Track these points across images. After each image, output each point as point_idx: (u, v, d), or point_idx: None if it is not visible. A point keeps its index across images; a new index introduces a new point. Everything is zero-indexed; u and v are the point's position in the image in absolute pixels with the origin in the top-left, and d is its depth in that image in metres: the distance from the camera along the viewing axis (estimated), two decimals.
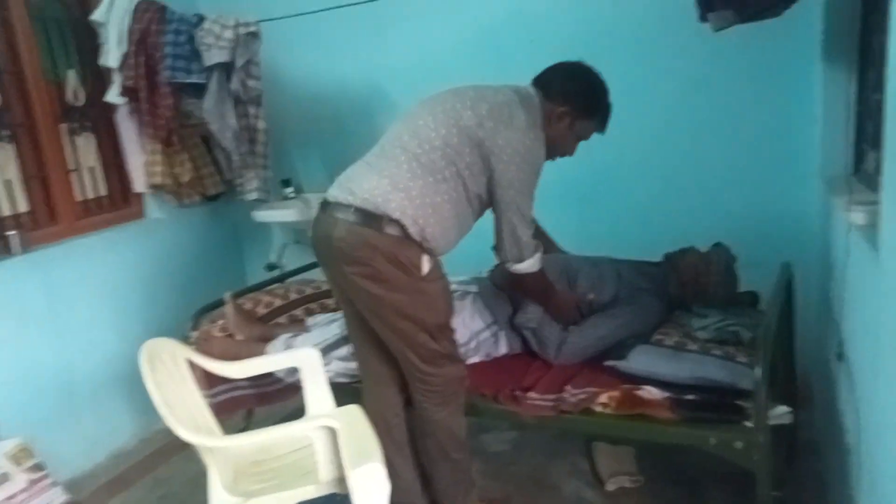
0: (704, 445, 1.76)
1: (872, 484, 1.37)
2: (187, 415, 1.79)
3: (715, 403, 1.80)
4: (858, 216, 1.60)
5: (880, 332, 1.29)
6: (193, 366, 2.09)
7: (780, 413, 1.73)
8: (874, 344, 1.34)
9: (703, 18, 2.04)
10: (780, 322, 2.01)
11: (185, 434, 1.60)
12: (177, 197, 3.20)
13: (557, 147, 1.98)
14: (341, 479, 1.71)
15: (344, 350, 2.21)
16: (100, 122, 3.05)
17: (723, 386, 1.80)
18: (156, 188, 3.10)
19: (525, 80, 2.02)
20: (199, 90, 2.92)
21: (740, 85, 2.66)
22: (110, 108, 3.01)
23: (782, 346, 2.15)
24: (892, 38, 1.20)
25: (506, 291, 2.30)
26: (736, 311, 2.17)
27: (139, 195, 3.18)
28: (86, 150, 3.01)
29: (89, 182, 3.03)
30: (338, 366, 2.23)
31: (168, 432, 1.60)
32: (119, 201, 3.15)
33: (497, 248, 1.99)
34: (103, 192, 3.09)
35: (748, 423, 1.71)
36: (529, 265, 1.99)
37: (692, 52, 2.64)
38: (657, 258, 2.43)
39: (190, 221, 3.37)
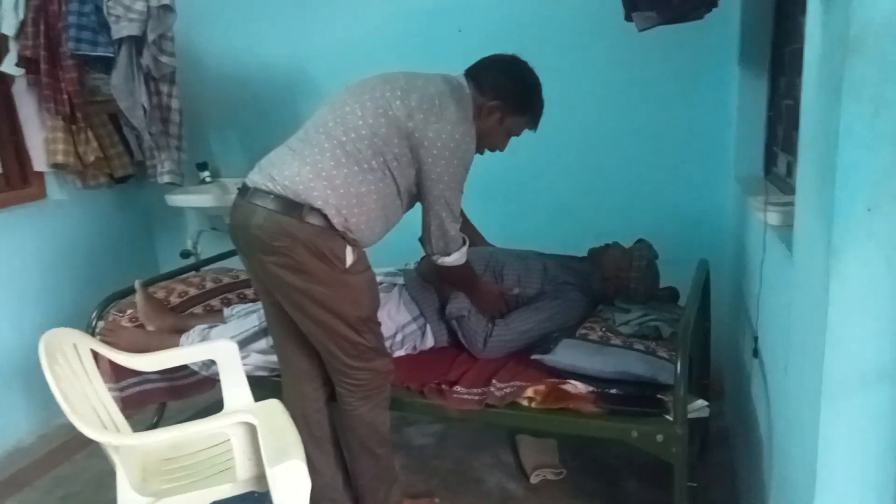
0: (627, 438, 1.79)
1: (783, 474, 1.43)
2: (91, 410, 1.67)
3: (637, 397, 1.83)
4: (773, 217, 1.67)
5: (791, 330, 1.34)
6: (99, 358, 1.96)
7: (699, 407, 1.78)
8: (786, 341, 1.40)
9: (629, 18, 2.07)
10: (698, 318, 2.07)
11: (88, 431, 1.49)
12: (82, 178, 3.00)
13: (487, 141, 1.95)
14: (260, 477, 1.64)
15: (263, 342, 2.13)
16: None
17: (644, 380, 1.84)
18: (58, 168, 2.89)
19: (451, 67, 1.98)
20: (106, 64, 2.73)
21: (662, 85, 2.73)
22: (6, 80, 2.78)
23: (699, 340, 2.23)
24: (809, 45, 1.24)
25: (433, 284, 2.27)
26: (657, 306, 2.23)
27: (40, 175, 2.96)
28: None
29: None
30: (256, 359, 2.14)
31: (70, 428, 1.49)
32: (16, 181, 2.91)
33: (423, 241, 1.95)
34: None
35: (668, 417, 1.75)
36: (456, 258, 1.97)
37: (618, 51, 2.69)
38: (582, 253, 2.46)
39: (97, 205, 3.16)
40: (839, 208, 1.01)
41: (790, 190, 1.70)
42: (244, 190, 1.80)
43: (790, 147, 1.91)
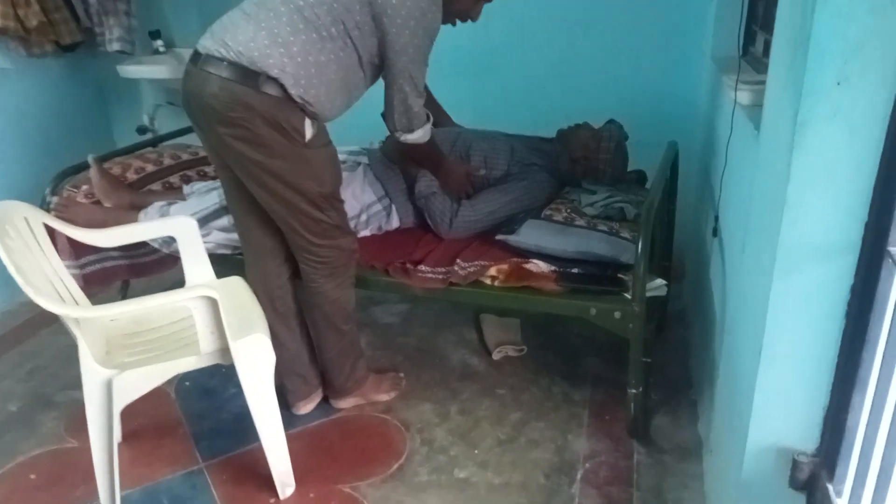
0: (585, 315, 1.84)
1: (732, 347, 1.49)
2: (48, 284, 1.64)
3: (598, 276, 1.87)
4: (744, 95, 1.63)
5: (752, 208, 1.34)
6: (56, 235, 1.91)
7: (657, 286, 1.82)
8: (745, 219, 1.41)
9: None
10: (663, 199, 2.08)
11: (45, 303, 1.46)
12: (25, 45, 2.81)
13: (457, 6, 1.83)
14: (224, 350, 1.66)
15: (225, 220, 2.09)
16: None
17: (606, 260, 1.87)
18: None
19: None
20: None
21: None
22: None
23: (663, 222, 2.25)
24: None
25: (398, 164, 2.22)
26: (624, 189, 2.22)
27: None
28: None
29: None
30: (218, 236, 2.11)
31: (34, 305, 1.47)
32: None
33: (386, 117, 1.89)
34: None
35: (627, 295, 1.79)
36: (419, 136, 1.92)
37: None
38: (551, 134, 2.42)
39: (44, 74, 2.98)
40: (809, 81, 0.98)
41: (765, 70, 1.65)
42: (196, 57, 1.69)
43: (769, 25, 1.84)
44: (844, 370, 1.08)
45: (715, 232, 1.89)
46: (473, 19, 1.91)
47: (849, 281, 1.05)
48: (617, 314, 1.79)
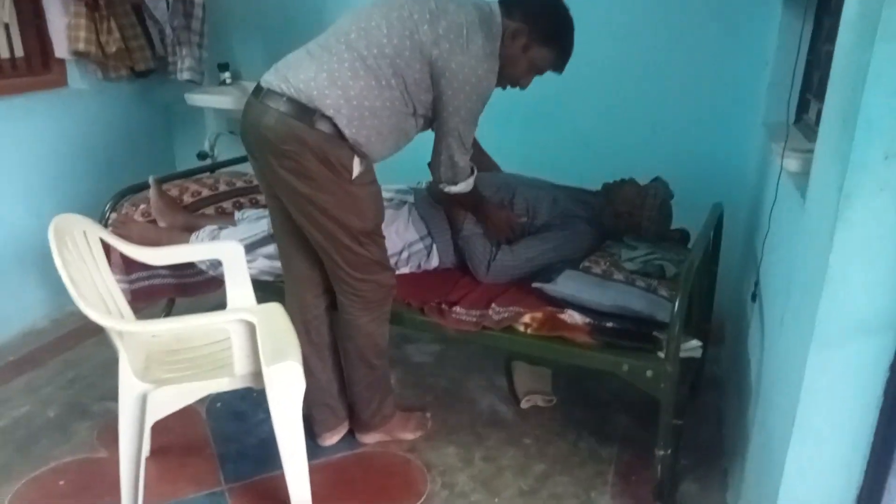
0: (617, 371, 1.82)
1: (765, 419, 1.45)
2: (97, 296, 1.71)
3: (632, 332, 1.84)
4: (791, 162, 1.63)
5: (793, 277, 1.33)
6: (111, 250, 1.99)
7: (692, 347, 1.79)
8: (787, 287, 1.39)
9: None
10: (705, 260, 2.06)
11: (91, 313, 1.53)
12: (103, 69, 2.97)
13: (509, 70, 1.87)
14: (257, 374, 1.69)
15: (271, 248, 2.15)
16: None
17: (642, 316, 1.85)
18: (79, 56, 2.86)
19: None
20: None
21: (697, 19, 2.60)
22: None
23: (703, 283, 2.22)
24: None
25: (443, 204, 2.26)
26: (665, 247, 2.21)
27: (61, 62, 2.94)
28: None
29: (3, 39, 2.76)
30: (263, 263, 2.17)
31: (81, 315, 1.53)
32: (38, 66, 2.90)
33: (432, 168, 1.95)
34: (20, 52, 2.83)
35: (660, 354, 1.77)
36: (462, 188, 1.98)
37: None
38: (595, 188, 2.43)
39: (117, 97, 3.14)
40: (856, 153, 0.98)
41: (816, 138, 1.65)
42: (258, 90, 1.77)
43: (823, 94, 1.84)
44: (881, 451, 1.05)
45: (754, 297, 1.86)
46: (523, 87, 1.95)
47: (888, 359, 1.03)
48: (649, 372, 1.77)
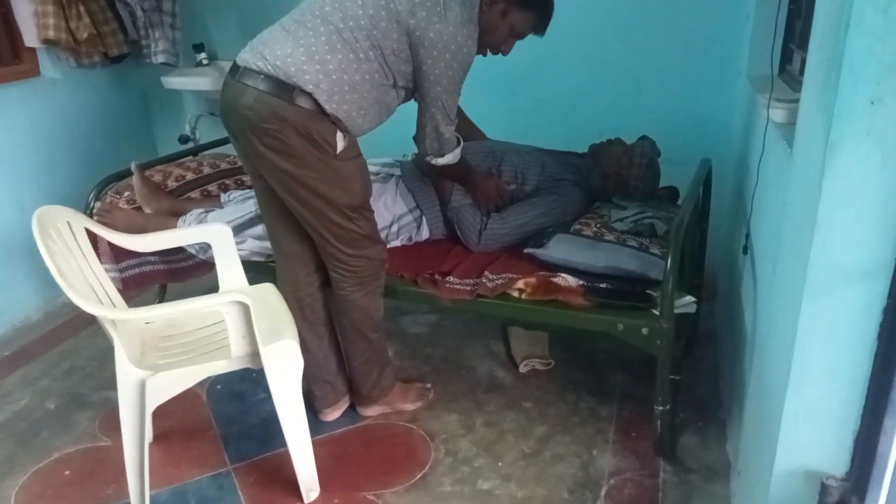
0: (613, 330, 1.83)
1: (761, 368, 1.47)
2: (87, 286, 1.70)
3: (626, 291, 1.85)
4: (777, 113, 1.62)
5: (783, 228, 1.33)
6: (98, 239, 1.98)
7: (686, 302, 1.80)
8: (777, 237, 1.39)
9: None
10: (695, 216, 2.06)
11: (83, 304, 1.52)
12: (75, 56, 2.92)
13: (489, 38, 1.85)
14: (254, 355, 1.69)
15: (259, 228, 2.13)
16: None
17: (634, 275, 1.86)
18: (49, 44, 2.80)
19: None
20: None
21: None
22: None
23: (695, 239, 2.23)
24: None
25: (429, 176, 2.25)
26: (655, 205, 2.21)
27: (32, 51, 2.87)
28: None
29: None
30: (252, 244, 2.16)
31: (74, 306, 1.52)
32: (8, 57, 2.84)
33: (417, 140, 1.93)
34: None
35: (655, 311, 1.78)
36: (449, 159, 1.97)
37: None
38: (582, 150, 2.42)
39: (92, 84, 3.09)
40: (842, 100, 0.98)
41: (801, 88, 1.64)
42: (234, 69, 1.74)
43: (807, 43, 1.83)
44: (876, 394, 1.06)
45: (745, 250, 1.87)
46: (504, 53, 1.93)
47: (881, 304, 1.04)
48: (644, 330, 1.78)
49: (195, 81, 3.05)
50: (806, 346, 1.12)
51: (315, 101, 1.68)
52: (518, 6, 1.83)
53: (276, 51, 1.69)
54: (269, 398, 1.73)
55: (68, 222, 1.76)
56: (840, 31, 0.98)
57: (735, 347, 2.04)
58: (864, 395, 1.09)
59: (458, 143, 1.97)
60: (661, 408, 1.85)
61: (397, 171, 2.31)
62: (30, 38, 2.78)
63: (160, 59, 2.91)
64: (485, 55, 1.91)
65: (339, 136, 1.75)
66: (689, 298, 1.81)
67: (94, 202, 2.32)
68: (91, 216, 2.26)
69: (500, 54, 1.94)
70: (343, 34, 1.69)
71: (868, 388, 1.08)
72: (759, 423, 1.41)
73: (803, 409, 1.15)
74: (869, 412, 1.08)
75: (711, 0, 2.56)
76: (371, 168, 2.01)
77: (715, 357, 2.43)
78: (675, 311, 1.75)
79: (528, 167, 2.26)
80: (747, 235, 1.88)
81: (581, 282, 1.89)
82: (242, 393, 2.31)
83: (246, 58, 1.72)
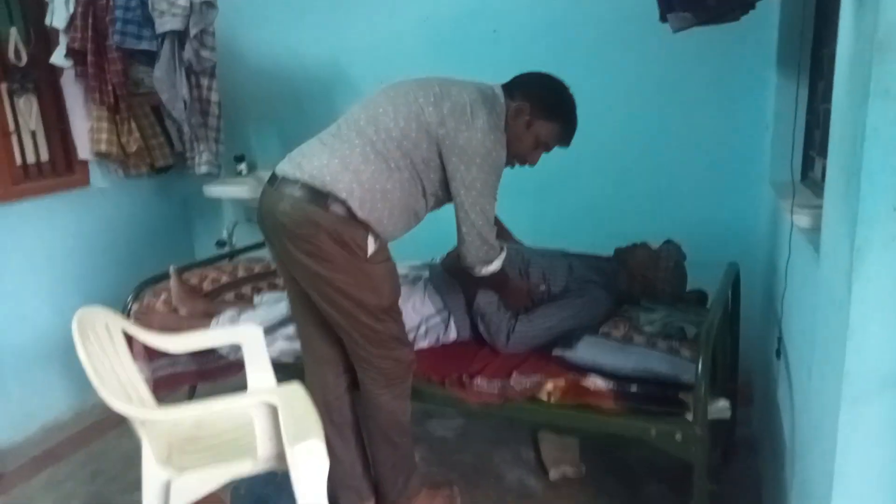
0: (645, 436, 1.78)
1: (803, 480, 1.41)
2: (120, 387, 1.72)
3: (657, 396, 1.82)
4: (802, 219, 1.64)
5: (816, 332, 1.32)
6: (132, 339, 2.02)
7: (720, 407, 1.76)
8: (810, 343, 1.38)
9: (663, 19, 2.05)
10: (724, 320, 2.04)
11: (115, 403, 1.54)
12: (124, 167, 3.09)
13: (515, 147, 1.92)
14: (280, 456, 1.67)
15: (290, 329, 2.17)
16: (43, 84, 2.92)
17: (665, 379, 1.83)
18: (101, 156, 2.98)
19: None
20: (150, 57, 2.81)
21: (697, 87, 2.69)
22: (55, 71, 2.90)
23: (726, 343, 2.20)
24: (841, 45, 1.22)
25: (458, 278, 2.28)
26: (683, 308, 2.20)
27: (84, 163, 3.06)
28: (27, 113, 2.87)
29: (30, 146, 2.89)
30: (283, 345, 2.19)
31: (105, 407, 1.55)
32: (62, 168, 3.02)
33: (462, 254, 1.93)
34: (45, 157, 2.96)
35: (688, 416, 1.74)
36: (496, 266, 1.98)
37: (652, 53, 2.65)
38: (608, 254, 2.45)
39: (137, 193, 3.26)
40: (864, 208, 1.00)
41: (823, 194, 1.67)
42: (273, 178, 1.84)
43: (826, 152, 1.88)
44: None
45: (778, 354, 1.84)
46: (531, 164, 2.00)
47: None
48: (678, 436, 1.73)
49: (234, 190, 3.19)
50: (848, 457, 1.08)
51: (348, 207, 1.76)
52: (542, 117, 1.92)
53: (312, 161, 1.78)
54: (293, 503, 1.70)
55: (106, 324, 1.81)
56: (857, 142, 1.01)
57: (775, 456, 1.96)
58: None
59: (503, 249, 2.00)
60: None
61: (426, 273, 2.35)
62: (84, 151, 2.97)
63: (203, 169, 3.07)
64: (512, 166, 1.98)
65: (370, 239, 1.81)
66: (724, 403, 1.77)
67: (133, 303, 2.39)
68: (129, 317, 2.32)
69: (527, 165, 2.01)
70: (376, 146, 1.79)
71: None
72: None
73: None
74: None
75: (732, 109, 2.65)
76: (400, 270, 2.05)
77: (756, 467, 2.33)
78: (710, 416, 1.71)
79: (555, 269, 2.29)
80: (779, 339, 1.85)
81: (611, 385, 1.87)
82: (265, 497, 2.25)
83: (284, 168, 1.82)
